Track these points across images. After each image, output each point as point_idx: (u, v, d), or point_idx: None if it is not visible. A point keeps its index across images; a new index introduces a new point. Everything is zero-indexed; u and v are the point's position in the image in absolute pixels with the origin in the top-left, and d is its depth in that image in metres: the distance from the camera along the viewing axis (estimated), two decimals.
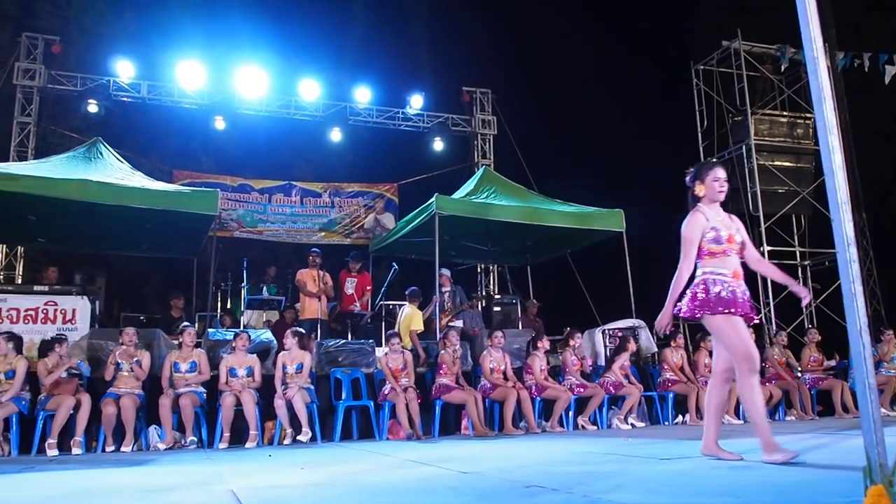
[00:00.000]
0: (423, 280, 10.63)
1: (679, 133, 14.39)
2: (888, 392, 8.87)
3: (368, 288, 10.13)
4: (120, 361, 6.78)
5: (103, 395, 6.64)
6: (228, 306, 11.00)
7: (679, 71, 13.90)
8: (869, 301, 12.36)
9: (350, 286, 9.96)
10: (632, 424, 7.95)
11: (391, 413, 7.30)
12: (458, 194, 10.10)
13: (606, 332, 9.38)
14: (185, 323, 7.37)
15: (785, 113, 13.06)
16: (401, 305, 9.83)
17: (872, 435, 1.75)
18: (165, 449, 6.59)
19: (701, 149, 13.50)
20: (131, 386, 6.74)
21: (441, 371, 7.58)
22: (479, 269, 14.17)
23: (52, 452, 6.25)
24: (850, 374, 9.07)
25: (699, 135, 13.50)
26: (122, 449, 6.52)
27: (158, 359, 7.22)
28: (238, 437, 6.91)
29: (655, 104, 17.02)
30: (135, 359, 6.82)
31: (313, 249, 9.67)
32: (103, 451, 6.53)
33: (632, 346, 8.52)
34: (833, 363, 9.35)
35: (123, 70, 11.99)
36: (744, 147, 12.66)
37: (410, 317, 8.78)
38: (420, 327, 8.79)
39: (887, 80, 11.13)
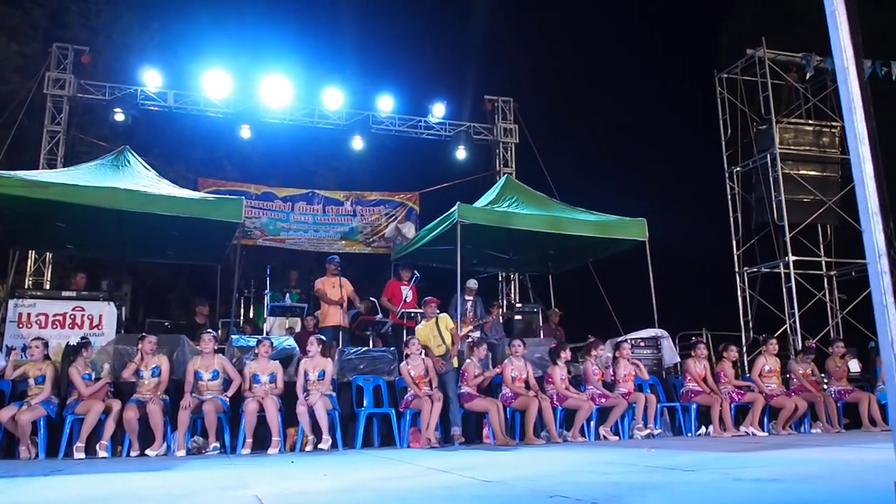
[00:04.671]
0: (444, 288, 10.65)
1: (703, 142, 14.30)
2: None
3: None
4: (140, 369, 6.86)
5: (127, 400, 6.72)
6: (251, 314, 11.10)
7: (703, 79, 13.83)
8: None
9: (408, 294, 9.95)
10: (650, 433, 7.86)
11: (412, 421, 7.31)
12: (479, 203, 10.10)
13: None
14: (209, 330, 7.43)
15: (810, 121, 12.91)
16: (422, 314, 9.85)
17: None
18: (188, 454, 6.65)
19: (725, 158, 13.38)
20: (154, 392, 6.81)
21: (464, 379, 7.57)
22: (500, 278, 14.15)
23: (80, 456, 6.34)
24: (878, 387, 8.93)
25: (723, 144, 13.38)
26: (148, 453, 6.59)
27: (184, 364, 7.30)
28: (260, 443, 6.94)
29: (679, 113, 16.94)
30: (154, 365, 6.90)
31: (331, 258, 9.71)
32: (128, 455, 6.62)
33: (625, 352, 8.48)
34: (857, 369, 9.22)
35: (151, 79, 12.18)
36: (768, 156, 12.53)
37: (444, 320, 8.31)
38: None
39: None
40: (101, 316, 8.28)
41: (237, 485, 4.12)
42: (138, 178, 8.71)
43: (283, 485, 4.14)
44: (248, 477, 4.60)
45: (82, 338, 7.00)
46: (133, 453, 6.63)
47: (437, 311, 8.18)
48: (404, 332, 9.68)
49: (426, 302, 8.26)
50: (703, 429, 8.42)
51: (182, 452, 6.63)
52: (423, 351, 7.72)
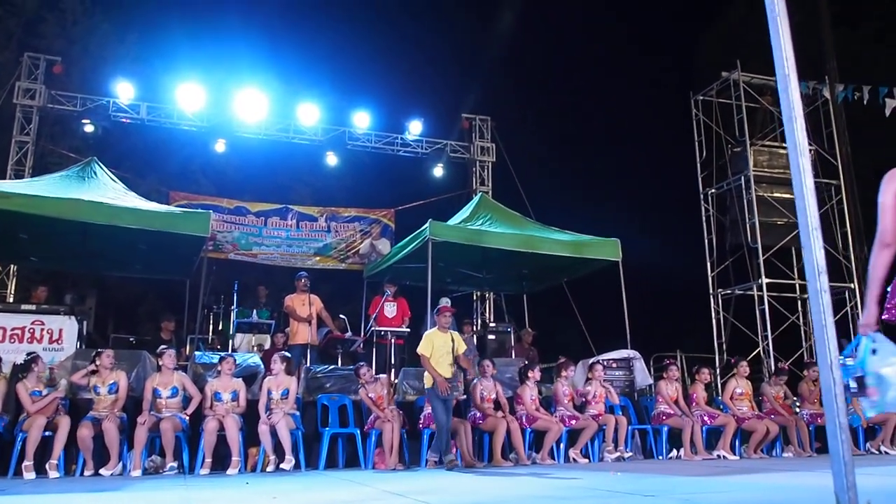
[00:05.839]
0: (417, 306, 10.53)
1: (678, 163, 14.38)
2: (888, 430, 8.65)
3: (408, 315, 10.09)
4: (97, 385, 6.66)
5: (82, 417, 6.51)
6: (220, 329, 10.89)
7: (678, 102, 13.92)
8: None
9: (390, 310, 9.88)
10: (620, 456, 7.76)
11: (378, 441, 7.15)
12: (452, 221, 10.02)
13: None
14: (163, 346, 7.23)
15: (784, 145, 12.97)
16: (393, 332, 9.73)
17: (843, 479, 1.63)
18: (144, 474, 6.44)
19: (700, 179, 13.44)
20: (111, 409, 6.61)
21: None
22: (475, 297, 14.04)
23: (29, 475, 6.10)
24: (850, 411, 8.88)
25: (698, 165, 13.45)
26: (102, 472, 6.37)
27: (144, 381, 7.09)
28: (220, 463, 6.75)
29: (655, 134, 17.09)
30: (112, 381, 6.70)
31: (300, 274, 9.59)
32: (81, 474, 6.39)
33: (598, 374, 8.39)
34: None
35: (123, 91, 12.01)
36: (742, 178, 12.60)
37: (458, 340, 7.27)
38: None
39: (888, 113, 11.09)
40: (61, 330, 8.05)
41: None
42: (104, 190, 8.55)
43: None
44: (196, 500, 4.43)
45: (28, 353, 6.77)
46: (87, 473, 6.40)
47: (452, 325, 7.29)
48: (374, 350, 9.55)
49: (440, 311, 7.24)
50: (675, 452, 8.32)
51: (138, 472, 6.41)
52: (377, 379, 7.48)
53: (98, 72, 13.28)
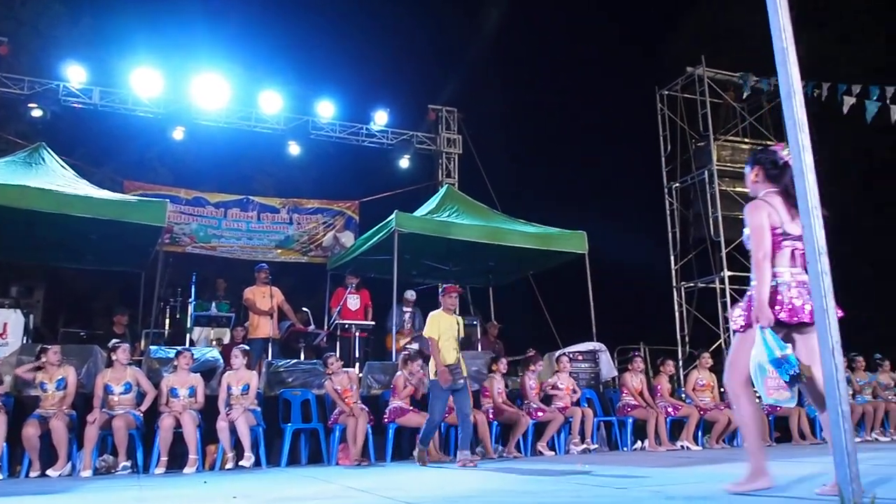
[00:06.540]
0: (382, 299, 10.35)
1: (643, 157, 14.41)
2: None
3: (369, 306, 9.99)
4: (43, 381, 6.33)
5: (28, 415, 6.18)
6: (177, 321, 10.54)
7: (644, 96, 13.94)
8: None
9: (353, 302, 9.74)
10: (586, 448, 7.73)
11: (342, 436, 6.96)
12: (419, 212, 9.88)
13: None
14: (116, 340, 6.92)
15: (746, 140, 13.12)
16: (357, 325, 9.56)
17: (846, 470, 1.51)
18: (95, 474, 6.15)
19: (664, 173, 13.50)
20: (59, 406, 6.29)
21: (394, 393, 7.28)
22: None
23: None
24: (806, 401, 9.02)
25: (663, 159, 13.50)
26: (50, 473, 6.06)
27: (95, 377, 6.78)
28: (177, 461, 6.50)
29: (620, 128, 17.12)
30: (59, 377, 6.38)
31: (261, 265, 9.35)
32: (27, 475, 6.07)
33: (564, 366, 8.33)
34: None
35: (74, 75, 11.48)
36: (706, 172, 12.68)
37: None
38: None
39: (846, 110, 11.23)
40: (5, 324, 7.67)
41: None
42: (53, 177, 8.17)
43: None
44: (152, 500, 4.21)
45: None
46: (33, 474, 6.07)
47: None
48: (337, 343, 9.36)
49: (446, 290, 6.69)
50: (639, 443, 8.34)
51: (88, 472, 6.11)
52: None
53: (48, 53, 12.70)
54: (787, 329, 3.19)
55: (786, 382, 2.98)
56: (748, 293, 3.31)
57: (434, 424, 6.40)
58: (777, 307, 3.14)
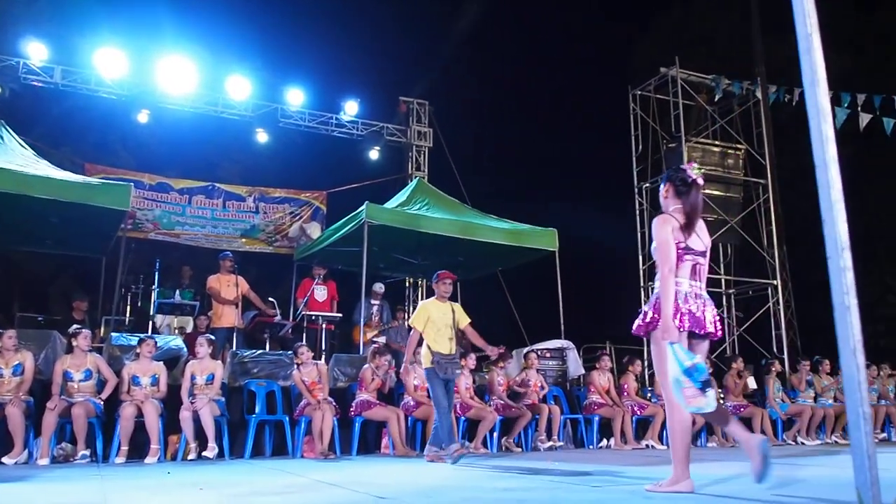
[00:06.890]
0: (349, 292, 10.23)
1: (614, 156, 14.52)
2: (803, 422, 9.08)
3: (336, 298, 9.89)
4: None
5: None
6: (140, 308, 10.26)
7: (617, 95, 14.02)
8: (787, 332, 12.67)
9: (321, 294, 9.62)
10: (553, 445, 7.77)
11: (307, 429, 6.86)
12: (389, 204, 9.79)
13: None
14: (76, 326, 6.69)
15: (717, 142, 13.29)
16: (324, 316, 9.42)
17: (866, 474, 1.47)
18: (53, 462, 5.94)
19: (635, 173, 13.59)
20: (15, 392, 6.06)
21: (361, 387, 7.20)
22: (408, 283, 13.81)
23: None
24: (767, 402, 9.23)
25: (634, 159, 13.60)
26: (6, 461, 5.83)
27: (54, 363, 6.56)
28: (137, 451, 6.31)
29: (592, 127, 17.22)
30: (16, 363, 6.15)
31: (225, 253, 9.16)
32: None
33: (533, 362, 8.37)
34: (755, 386, 9.50)
35: (35, 52, 11.08)
36: None
37: (460, 312, 6.39)
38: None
39: None
40: None
41: (96, 500, 3.60)
42: (11, 156, 7.87)
43: (151, 501, 3.66)
44: (113, 491, 4.07)
45: None
46: None
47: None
48: (304, 335, 9.22)
49: (439, 276, 6.33)
50: (605, 441, 8.40)
51: (45, 461, 5.91)
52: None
53: (7, 30, 12.23)
54: (691, 338, 3.37)
55: (699, 389, 3.11)
56: (653, 299, 3.47)
57: (445, 411, 5.86)
58: (679, 316, 3.30)
